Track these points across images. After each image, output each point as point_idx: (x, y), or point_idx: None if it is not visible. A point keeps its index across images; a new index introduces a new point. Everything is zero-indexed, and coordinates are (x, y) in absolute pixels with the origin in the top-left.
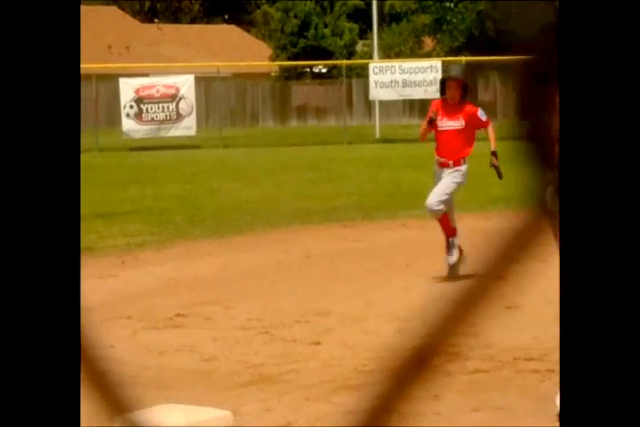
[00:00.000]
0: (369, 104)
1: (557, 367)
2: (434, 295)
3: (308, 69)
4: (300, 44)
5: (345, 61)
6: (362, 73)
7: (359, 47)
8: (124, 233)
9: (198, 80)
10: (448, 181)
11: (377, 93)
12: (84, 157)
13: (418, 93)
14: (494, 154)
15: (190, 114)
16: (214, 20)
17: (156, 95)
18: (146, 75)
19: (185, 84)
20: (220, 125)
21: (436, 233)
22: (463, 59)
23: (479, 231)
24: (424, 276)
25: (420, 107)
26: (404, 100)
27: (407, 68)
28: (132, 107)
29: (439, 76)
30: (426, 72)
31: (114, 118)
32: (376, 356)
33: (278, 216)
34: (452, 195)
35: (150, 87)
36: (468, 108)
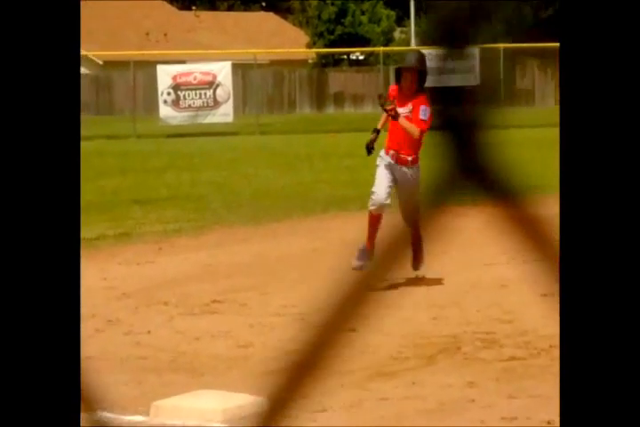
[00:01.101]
0: None
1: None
2: (470, 283)
3: (345, 56)
4: (338, 31)
5: (382, 48)
6: (399, 60)
7: (397, 34)
8: (160, 219)
9: (235, 67)
10: (414, 184)
11: None
12: (121, 144)
13: (455, 81)
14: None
15: (227, 101)
16: (252, 8)
17: (194, 82)
18: (183, 62)
19: (222, 72)
20: (257, 112)
21: (473, 219)
22: (501, 46)
23: (515, 219)
24: (460, 262)
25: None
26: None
27: (444, 54)
28: (169, 94)
29: (477, 63)
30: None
31: (151, 105)
32: (411, 343)
33: (315, 203)
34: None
35: (187, 74)
36: (419, 99)
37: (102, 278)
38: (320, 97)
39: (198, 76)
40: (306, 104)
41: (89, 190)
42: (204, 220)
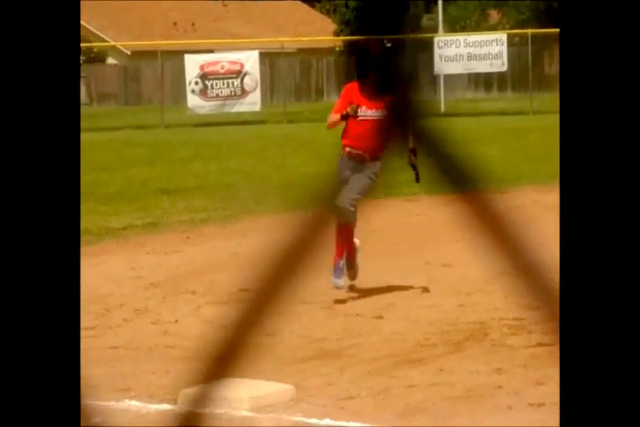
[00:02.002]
0: (434, 78)
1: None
2: (497, 269)
3: None
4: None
5: (410, 35)
6: (427, 47)
7: (424, 21)
8: (188, 209)
9: (263, 56)
10: (364, 176)
11: (442, 67)
12: (150, 134)
13: (483, 67)
14: (413, 151)
15: (255, 90)
16: None
17: (221, 71)
18: (211, 51)
19: (249, 60)
20: (285, 101)
21: (499, 205)
22: (529, 31)
23: (542, 204)
24: (487, 250)
25: (485, 80)
26: (469, 74)
27: (472, 41)
28: (197, 83)
29: (505, 49)
30: (491, 45)
31: (179, 95)
32: (438, 330)
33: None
34: (363, 195)
35: (215, 63)
36: (388, 97)
37: (130, 268)
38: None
39: (226, 66)
40: (333, 92)
41: (117, 180)
42: (231, 209)
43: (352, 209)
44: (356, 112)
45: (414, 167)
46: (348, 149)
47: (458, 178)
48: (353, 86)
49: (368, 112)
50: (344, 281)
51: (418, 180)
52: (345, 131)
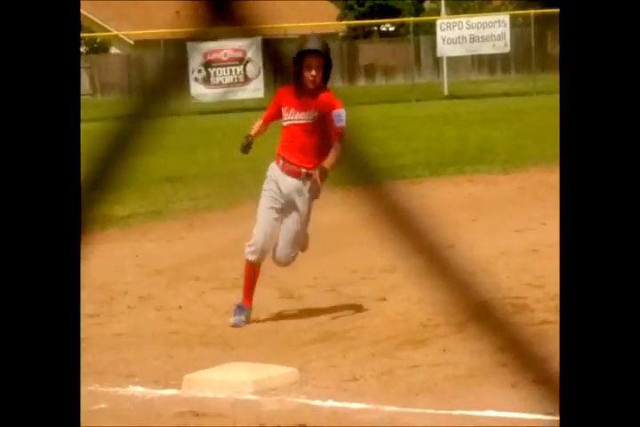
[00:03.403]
0: (437, 61)
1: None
2: (500, 249)
3: (376, 28)
4: (368, 2)
5: (412, 19)
6: (429, 30)
7: (427, 4)
8: (191, 196)
9: (266, 43)
10: (303, 210)
11: (444, 50)
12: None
13: (486, 48)
14: (322, 170)
15: (258, 76)
16: None
17: (224, 59)
18: (214, 39)
19: (252, 47)
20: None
21: (503, 186)
22: (532, 12)
23: (546, 185)
24: (490, 230)
25: (488, 62)
26: (472, 56)
27: (474, 23)
28: (200, 71)
29: (507, 30)
30: (493, 26)
31: (183, 83)
32: (442, 310)
33: (341, 175)
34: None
35: (218, 51)
36: (325, 96)
37: (134, 256)
38: (351, 69)
39: (228, 53)
40: (337, 77)
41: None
42: (234, 195)
43: (293, 258)
44: (247, 147)
45: (315, 186)
46: (281, 161)
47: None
48: (286, 89)
49: (297, 115)
50: (238, 318)
51: (315, 197)
52: (280, 141)
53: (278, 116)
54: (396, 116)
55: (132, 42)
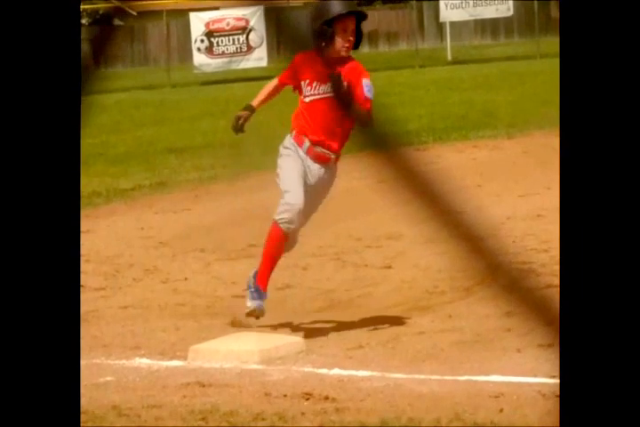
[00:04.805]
0: (440, 26)
1: None
2: (506, 214)
3: None
4: None
5: None
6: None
7: None
8: (196, 167)
9: (269, 11)
10: (322, 197)
11: (447, 15)
12: (156, 94)
13: (489, 12)
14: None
15: (261, 45)
16: None
17: (227, 28)
18: (216, 8)
19: (255, 16)
20: (292, 55)
21: (507, 151)
22: None
23: (551, 148)
24: (496, 195)
25: (491, 26)
26: (475, 20)
27: None
28: (202, 41)
29: None
30: None
31: (185, 54)
32: (448, 276)
33: (350, 142)
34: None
35: (220, 20)
36: (353, 64)
37: (139, 228)
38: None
39: (231, 22)
40: None
41: (125, 142)
42: (239, 165)
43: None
44: (240, 127)
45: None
46: (307, 142)
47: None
48: (308, 55)
49: (322, 88)
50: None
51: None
52: (297, 114)
53: (293, 82)
54: (399, 82)
55: (134, 13)
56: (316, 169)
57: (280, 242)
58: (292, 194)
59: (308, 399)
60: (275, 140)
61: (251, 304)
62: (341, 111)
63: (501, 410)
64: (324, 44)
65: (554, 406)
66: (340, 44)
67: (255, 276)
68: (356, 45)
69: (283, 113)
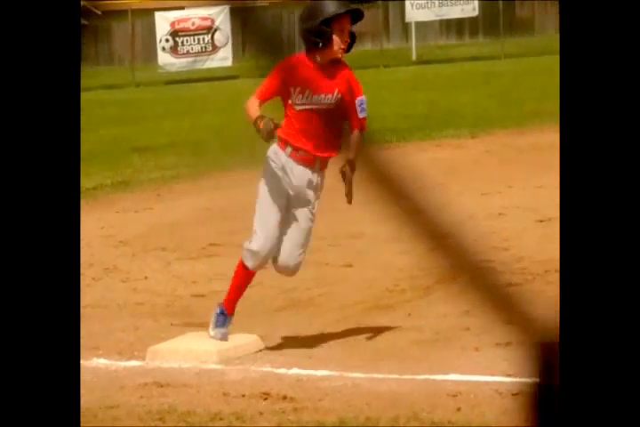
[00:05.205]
0: (405, 26)
1: None
2: (467, 213)
3: None
4: None
5: None
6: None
7: None
8: (159, 166)
9: (234, 11)
10: (314, 206)
11: (413, 15)
12: (120, 93)
13: (455, 12)
14: (351, 163)
15: (226, 45)
16: None
17: (192, 28)
18: (182, 8)
19: (220, 16)
20: (257, 55)
21: (470, 150)
22: None
23: (514, 148)
24: (458, 194)
25: (457, 26)
26: (440, 20)
27: None
28: (167, 40)
29: None
30: None
31: (150, 53)
32: (408, 275)
33: None
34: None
35: (186, 20)
36: (347, 75)
37: (100, 227)
38: None
39: (196, 22)
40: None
41: (88, 140)
42: (202, 165)
43: (300, 263)
44: (270, 133)
45: (347, 182)
46: (289, 148)
47: None
48: (297, 60)
49: (315, 98)
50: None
51: (349, 198)
52: (284, 122)
53: (281, 93)
54: (364, 82)
55: (99, 12)
56: (301, 171)
57: (244, 276)
58: (258, 237)
59: (266, 399)
60: (237, 140)
61: (213, 334)
62: (331, 124)
63: (459, 409)
64: (320, 44)
65: (510, 404)
66: (338, 45)
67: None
68: (349, 47)
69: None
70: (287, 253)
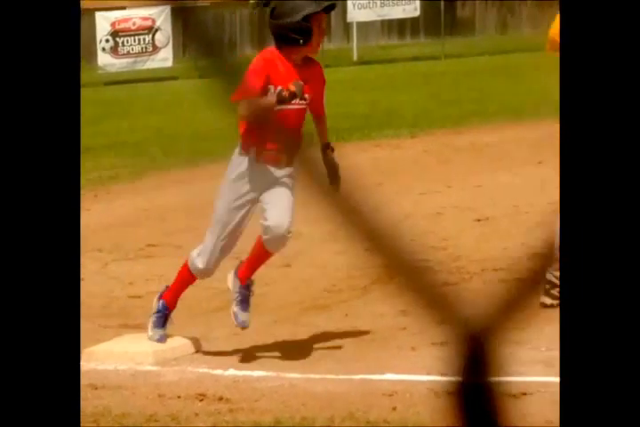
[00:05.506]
0: (347, 26)
1: (526, 276)
2: (405, 212)
3: None
4: None
5: None
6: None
7: None
8: (97, 167)
9: (175, 11)
10: (289, 193)
11: (355, 15)
12: None
13: (396, 12)
14: (329, 147)
15: (166, 45)
16: None
17: (133, 28)
18: (123, 8)
19: (161, 16)
20: (197, 56)
21: (409, 150)
22: None
23: (452, 147)
24: (396, 194)
25: (398, 26)
26: (382, 21)
27: None
28: (107, 41)
29: None
30: None
31: (90, 54)
32: (346, 275)
33: None
34: None
35: (126, 20)
36: (318, 71)
37: None
38: (261, 37)
39: (137, 22)
40: (247, 45)
41: None
42: (140, 165)
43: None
44: (299, 94)
45: (333, 167)
46: (253, 152)
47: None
48: (276, 56)
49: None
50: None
51: (335, 182)
52: (250, 125)
53: (262, 92)
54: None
55: None
56: (269, 170)
57: (188, 279)
58: (205, 252)
59: (201, 400)
60: (177, 140)
61: (152, 334)
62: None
63: (394, 408)
64: (301, 41)
65: (445, 403)
66: (317, 40)
67: (162, 292)
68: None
69: (185, 115)
70: (280, 216)
